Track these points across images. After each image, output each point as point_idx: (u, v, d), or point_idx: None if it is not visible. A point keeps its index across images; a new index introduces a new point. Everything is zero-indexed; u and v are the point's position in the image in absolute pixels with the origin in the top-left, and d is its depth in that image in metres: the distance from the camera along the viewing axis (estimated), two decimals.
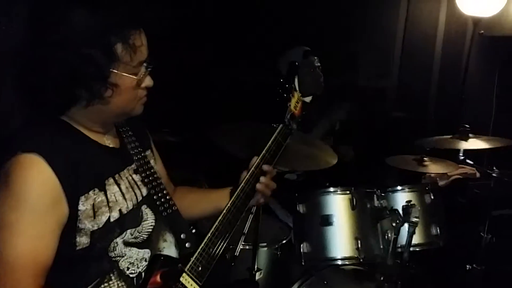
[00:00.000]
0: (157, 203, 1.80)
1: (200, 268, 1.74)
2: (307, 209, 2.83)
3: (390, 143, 4.13)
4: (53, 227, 1.52)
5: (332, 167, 2.89)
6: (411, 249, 2.66)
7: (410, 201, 2.64)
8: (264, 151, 1.95)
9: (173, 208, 1.83)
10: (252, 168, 1.92)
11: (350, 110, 4.22)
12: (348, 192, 2.78)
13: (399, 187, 2.87)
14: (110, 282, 1.66)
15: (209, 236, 1.78)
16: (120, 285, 1.67)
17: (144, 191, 1.78)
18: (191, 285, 1.72)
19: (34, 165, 1.49)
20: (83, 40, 1.52)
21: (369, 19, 4.64)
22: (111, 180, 1.67)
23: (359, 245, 2.71)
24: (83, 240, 1.58)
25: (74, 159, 1.57)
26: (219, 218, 1.82)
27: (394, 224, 2.55)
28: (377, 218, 2.77)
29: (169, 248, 1.80)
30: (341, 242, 2.74)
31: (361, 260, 2.72)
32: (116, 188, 1.67)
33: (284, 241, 3.06)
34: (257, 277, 2.72)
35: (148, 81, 1.69)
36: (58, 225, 1.53)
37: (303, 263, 2.79)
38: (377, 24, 4.69)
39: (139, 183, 1.77)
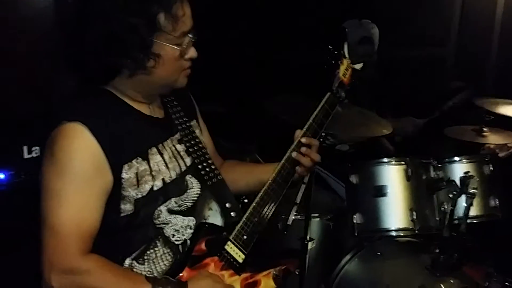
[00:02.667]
0: (202, 172, 1.81)
1: (245, 237, 1.76)
2: (360, 180, 2.78)
3: (448, 113, 4.00)
4: (98, 194, 1.55)
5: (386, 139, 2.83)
6: (468, 221, 2.60)
7: (468, 172, 2.58)
8: (310, 120, 1.93)
9: (218, 177, 1.84)
10: (298, 138, 1.90)
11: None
12: (403, 162, 2.70)
13: (456, 158, 2.78)
14: (156, 249, 1.68)
15: (254, 205, 1.80)
16: (165, 251, 1.69)
17: (188, 161, 1.79)
18: (236, 253, 1.74)
19: (78, 134, 1.52)
20: (126, 9, 1.53)
21: None
22: (154, 149, 1.68)
23: (414, 217, 2.64)
24: (127, 207, 1.60)
25: (117, 128, 1.59)
26: (264, 187, 1.83)
27: (451, 196, 2.50)
28: (433, 189, 2.70)
29: (214, 217, 1.80)
30: (395, 213, 2.69)
31: (416, 232, 2.66)
32: (159, 157, 1.68)
33: (336, 212, 3.03)
34: (309, 247, 2.70)
35: (192, 52, 1.68)
36: (103, 192, 1.55)
37: (356, 234, 2.76)
38: None
39: (182, 153, 1.78)
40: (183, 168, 1.76)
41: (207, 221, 1.79)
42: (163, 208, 1.68)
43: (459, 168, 2.74)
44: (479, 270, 2.83)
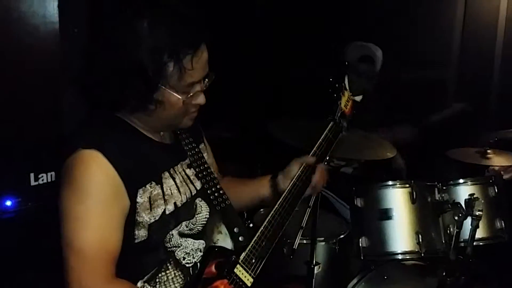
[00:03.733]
0: (211, 197, 1.84)
1: (253, 260, 1.78)
2: (365, 203, 2.79)
3: (451, 135, 4.02)
4: (118, 218, 1.59)
5: (389, 161, 2.84)
6: (475, 243, 2.59)
7: (473, 194, 2.57)
8: (314, 148, 2.00)
9: (226, 202, 1.86)
10: (303, 165, 1.97)
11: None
12: (407, 185, 2.72)
13: (461, 180, 2.79)
14: (168, 272, 1.71)
15: (262, 230, 1.83)
16: (176, 274, 1.73)
17: (198, 185, 1.83)
18: (245, 276, 1.76)
19: (95, 160, 1.55)
20: (139, 50, 1.55)
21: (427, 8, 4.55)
22: (166, 174, 1.72)
23: (420, 240, 2.65)
24: (141, 233, 1.64)
25: (131, 154, 1.63)
26: (272, 212, 1.86)
27: (456, 218, 2.48)
28: (438, 212, 2.71)
29: (224, 241, 1.83)
30: (401, 236, 2.69)
31: (422, 255, 2.66)
32: (171, 181, 1.72)
33: (342, 236, 3.03)
34: (315, 271, 2.70)
35: (200, 100, 1.71)
36: (122, 216, 1.59)
37: (362, 258, 2.75)
38: (435, 14, 4.58)
39: (192, 177, 1.82)
40: (193, 192, 1.80)
41: (217, 244, 1.81)
42: (174, 232, 1.71)
43: (464, 190, 2.74)
44: None
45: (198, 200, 1.81)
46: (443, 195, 2.74)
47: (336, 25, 4.37)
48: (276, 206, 1.88)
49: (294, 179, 1.95)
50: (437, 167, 3.48)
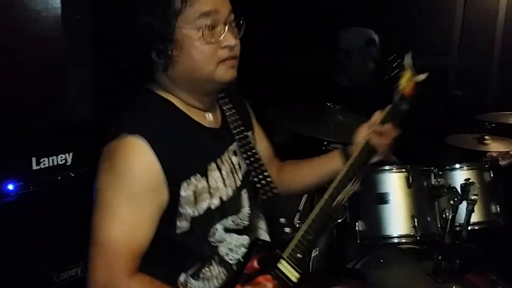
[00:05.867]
0: (257, 185, 1.74)
1: (299, 255, 1.67)
2: (362, 187, 2.82)
3: (450, 122, 4.04)
4: (152, 213, 1.49)
5: None
6: (470, 227, 2.62)
7: (468, 179, 2.60)
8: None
9: (274, 191, 1.75)
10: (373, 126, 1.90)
11: None
12: (404, 170, 2.74)
13: (457, 165, 2.82)
14: (211, 267, 1.64)
15: (310, 221, 1.71)
16: (220, 270, 1.65)
17: (243, 174, 1.74)
18: (290, 272, 1.65)
19: (138, 149, 1.46)
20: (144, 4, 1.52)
21: None
22: (213, 164, 1.63)
23: (416, 223, 2.67)
24: (183, 224, 1.56)
25: (177, 143, 1.54)
26: (328, 192, 1.77)
27: (452, 202, 2.51)
28: (434, 196, 2.74)
29: (265, 235, 1.76)
30: (397, 220, 2.72)
31: (418, 239, 2.69)
32: (217, 173, 1.63)
33: (339, 220, 3.06)
34: (313, 254, 2.74)
35: (226, 39, 1.57)
36: (157, 211, 1.50)
37: (358, 241, 2.79)
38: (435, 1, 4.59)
39: (237, 166, 1.72)
40: (238, 183, 1.70)
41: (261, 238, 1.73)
42: (219, 226, 1.63)
43: (460, 175, 2.77)
44: (482, 278, 2.85)
45: (243, 192, 1.72)
46: (439, 179, 2.77)
47: (335, 11, 4.37)
48: (342, 173, 1.80)
49: (363, 140, 1.88)
50: (435, 153, 3.50)
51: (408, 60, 1.92)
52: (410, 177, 2.72)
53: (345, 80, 3.75)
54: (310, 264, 1.79)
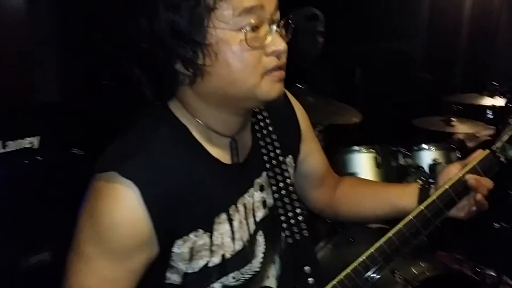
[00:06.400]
0: (284, 225, 1.40)
1: None
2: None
3: (417, 104, 4.10)
4: (134, 269, 1.24)
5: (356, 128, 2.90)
6: None
7: (436, 159, 2.66)
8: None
9: (304, 232, 1.41)
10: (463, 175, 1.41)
11: None
12: (373, 150, 2.79)
13: (424, 146, 2.88)
14: None
15: (348, 273, 1.35)
16: None
17: (262, 213, 1.39)
18: None
19: (126, 201, 1.18)
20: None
21: None
22: (223, 216, 1.29)
23: None
24: (174, 277, 1.30)
25: (182, 192, 1.22)
26: (388, 236, 1.38)
27: (419, 182, 2.56)
28: (402, 176, 2.79)
29: (271, 283, 1.43)
30: None
31: None
32: (227, 227, 1.30)
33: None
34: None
35: (275, 43, 1.20)
36: (141, 265, 1.24)
37: (328, 221, 2.82)
38: None
39: (257, 204, 1.38)
40: (253, 228, 1.35)
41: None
42: (217, 285, 1.33)
43: (428, 156, 2.83)
44: (450, 256, 2.92)
45: (259, 236, 1.38)
46: (407, 160, 2.82)
47: None
48: (410, 216, 1.37)
49: (446, 186, 1.40)
50: (404, 135, 3.56)
51: None
52: (379, 157, 2.77)
53: (300, 59, 3.73)
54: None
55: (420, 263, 2.60)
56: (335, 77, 3.61)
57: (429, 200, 1.38)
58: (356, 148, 2.81)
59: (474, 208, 1.42)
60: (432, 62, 4.59)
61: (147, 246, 1.21)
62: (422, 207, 1.38)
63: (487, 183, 1.41)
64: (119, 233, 1.19)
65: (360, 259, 1.36)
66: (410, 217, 1.38)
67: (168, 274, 1.29)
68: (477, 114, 3.36)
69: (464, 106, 3.30)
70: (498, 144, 1.41)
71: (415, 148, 2.87)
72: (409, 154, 2.84)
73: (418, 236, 1.38)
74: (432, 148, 2.87)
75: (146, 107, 1.30)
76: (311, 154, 1.56)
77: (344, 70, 3.74)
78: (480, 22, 4.47)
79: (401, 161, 2.82)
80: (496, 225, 3.17)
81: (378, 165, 2.77)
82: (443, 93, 3.56)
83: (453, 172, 1.43)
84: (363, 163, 2.79)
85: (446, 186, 1.39)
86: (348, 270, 1.36)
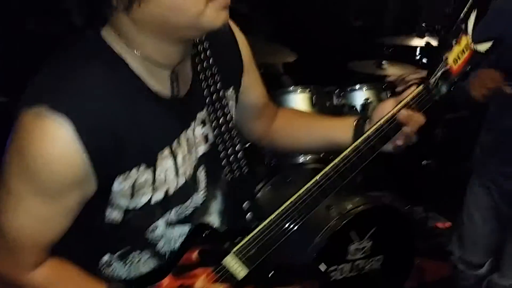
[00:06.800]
0: (223, 162, 1.37)
1: (252, 251, 1.33)
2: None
3: (351, 49, 4.19)
4: (69, 207, 1.18)
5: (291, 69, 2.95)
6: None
7: (367, 98, 2.75)
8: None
9: (243, 169, 1.39)
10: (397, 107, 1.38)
11: None
12: (308, 90, 2.85)
13: (357, 86, 2.96)
14: (140, 255, 1.34)
15: (286, 207, 1.33)
16: (150, 259, 1.36)
17: (204, 148, 1.34)
18: (236, 268, 1.34)
19: (58, 136, 1.08)
20: None
21: None
22: (166, 151, 1.24)
23: None
24: (114, 215, 1.24)
25: (119, 125, 1.14)
26: (325, 170, 1.35)
27: None
28: (336, 115, 2.86)
29: (212, 221, 1.42)
30: None
31: (321, 156, 2.83)
32: (170, 162, 1.25)
33: (247, 144, 3.13)
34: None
35: None
36: (77, 204, 1.18)
37: (266, 163, 2.88)
38: None
39: (199, 139, 1.33)
40: (194, 162, 1.32)
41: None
42: (160, 222, 1.30)
43: (360, 95, 2.92)
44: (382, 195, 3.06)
45: (199, 171, 1.34)
46: (341, 99, 2.90)
47: None
48: (346, 151, 1.35)
49: (380, 121, 1.37)
50: (339, 78, 3.66)
51: (471, 19, 1.37)
52: (314, 97, 2.83)
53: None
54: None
55: (354, 198, 2.72)
56: (273, 19, 3.63)
57: (364, 136, 1.36)
58: (291, 88, 2.85)
59: (400, 142, 1.40)
60: (364, 7, 4.65)
61: (83, 184, 1.14)
62: (357, 142, 1.36)
63: (419, 118, 1.39)
64: (52, 172, 1.10)
65: (299, 192, 1.35)
66: (345, 152, 1.36)
67: (108, 211, 1.23)
68: (408, 55, 3.48)
69: (396, 48, 3.41)
70: (432, 80, 1.40)
71: (348, 89, 2.95)
72: (343, 94, 2.92)
73: (353, 170, 1.36)
74: (364, 88, 2.96)
75: (75, 36, 1.18)
76: (252, 85, 1.51)
77: (283, 14, 3.74)
78: None
79: (335, 101, 2.91)
80: (424, 162, 3.35)
81: (313, 104, 2.83)
82: (375, 36, 3.64)
83: (387, 108, 1.40)
84: (298, 102, 2.84)
85: (381, 122, 1.37)
86: (286, 203, 1.34)
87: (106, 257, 1.33)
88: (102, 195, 1.19)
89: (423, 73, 1.60)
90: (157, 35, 1.15)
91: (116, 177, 1.17)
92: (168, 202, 1.27)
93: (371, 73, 3.35)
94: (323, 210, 2.62)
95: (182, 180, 1.28)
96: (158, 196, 1.25)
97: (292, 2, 4.06)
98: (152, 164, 1.21)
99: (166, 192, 1.26)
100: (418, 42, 3.46)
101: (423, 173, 3.35)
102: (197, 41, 1.31)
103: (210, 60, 1.33)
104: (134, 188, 1.20)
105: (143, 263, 1.35)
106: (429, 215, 3.49)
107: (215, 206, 1.42)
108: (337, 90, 2.91)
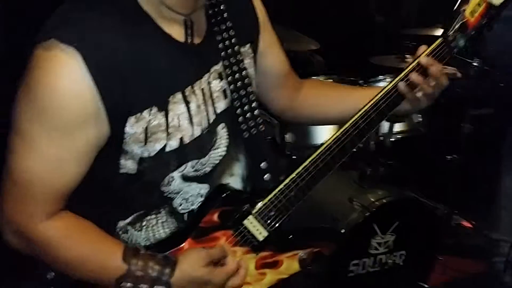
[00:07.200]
0: (239, 119, 1.35)
1: (272, 213, 1.33)
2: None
3: (374, 43, 4.14)
4: (82, 149, 1.15)
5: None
6: (393, 137, 2.73)
7: None
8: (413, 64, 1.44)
9: (259, 128, 1.37)
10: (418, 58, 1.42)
11: None
12: (331, 80, 2.79)
13: (380, 76, 2.91)
14: (158, 215, 1.32)
15: (302, 169, 1.34)
16: (169, 220, 1.33)
17: (223, 104, 1.34)
18: (257, 229, 1.34)
19: (67, 68, 1.08)
20: None
21: None
22: (178, 96, 1.22)
23: None
24: (128, 164, 1.22)
25: (131, 63, 1.13)
26: (330, 140, 1.37)
27: None
28: None
29: (234, 183, 1.40)
30: (323, 128, 2.79)
31: None
32: (183, 107, 1.23)
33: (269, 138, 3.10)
34: None
35: None
36: (91, 146, 1.16)
37: (288, 153, 2.83)
38: None
39: (217, 94, 1.32)
40: (212, 117, 1.31)
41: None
42: (176, 174, 1.27)
43: (383, 85, 2.85)
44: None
45: (221, 128, 1.33)
46: None
47: None
48: (348, 124, 1.37)
49: (396, 79, 1.42)
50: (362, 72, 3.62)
51: None
52: None
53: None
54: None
55: (377, 191, 2.66)
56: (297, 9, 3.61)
57: (384, 89, 1.42)
58: (314, 78, 2.80)
59: (431, 87, 1.43)
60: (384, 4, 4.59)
61: (94, 121, 1.13)
62: (377, 97, 1.41)
63: (439, 68, 1.42)
64: (61, 105, 1.09)
65: (317, 151, 1.36)
66: (365, 107, 1.39)
67: (123, 161, 1.21)
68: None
69: (419, 39, 3.35)
70: (450, 33, 1.43)
71: (372, 79, 2.90)
72: (366, 85, 2.87)
73: (372, 127, 1.40)
74: (388, 79, 2.91)
75: None
76: (271, 48, 1.50)
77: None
78: None
79: None
80: (449, 156, 3.27)
81: None
82: (397, 29, 3.59)
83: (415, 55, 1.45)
84: None
85: (404, 71, 1.43)
86: (305, 163, 1.36)
87: (121, 223, 1.30)
88: (115, 141, 1.17)
89: (449, 69, 1.58)
90: None
91: (128, 118, 1.15)
92: (184, 153, 1.25)
93: (395, 66, 3.29)
94: (345, 202, 2.58)
95: (197, 131, 1.27)
96: (173, 144, 1.23)
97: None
98: (163, 108, 1.19)
99: (181, 140, 1.24)
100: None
101: (447, 168, 3.26)
102: None
103: (225, 15, 1.33)
104: (147, 132, 1.18)
105: (161, 224, 1.32)
106: (453, 212, 3.40)
107: (237, 170, 1.39)
108: (361, 80, 2.86)
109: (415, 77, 1.41)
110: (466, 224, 3.49)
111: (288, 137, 2.82)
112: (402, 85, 1.41)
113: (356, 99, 1.48)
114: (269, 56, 1.49)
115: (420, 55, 1.42)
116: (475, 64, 3.06)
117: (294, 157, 2.91)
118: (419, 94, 1.44)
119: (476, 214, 3.39)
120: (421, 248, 2.70)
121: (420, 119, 2.91)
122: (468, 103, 3.23)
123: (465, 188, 3.22)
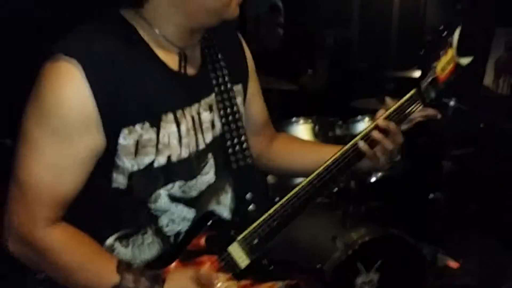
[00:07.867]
0: (229, 151, 1.44)
1: (256, 241, 1.39)
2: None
3: (356, 87, 4.23)
4: (81, 156, 1.24)
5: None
6: (374, 179, 2.78)
7: None
8: (386, 114, 1.52)
9: (248, 160, 1.46)
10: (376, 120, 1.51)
11: None
12: (310, 120, 2.86)
13: (359, 117, 2.96)
14: (145, 236, 1.38)
15: (282, 203, 1.41)
16: (155, 240, 1.40)
17: (215, 136, 1.43)
18: (240, 257, 1.40)
19: (69, 76, 1.20)
20: None
21: None
22: (170, 116, 1.32)
23: None
24: (120, 179, 1.31)
25: (126, 79, 1.24)
26: (309, 178, 1.43)
27: None
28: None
29: (221, 212, 1.46)
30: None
31: None
32: (173, 127, 1.32)
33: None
34: None
35: None
36: (88, 155, 1.25)
37: (269, 195, 2.85)
38: None
39: (206, 125, 1.40)
40: (201, 146, 1.39)
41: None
42: (163, 192, 1.35)
43: (362, 126, 2.91)
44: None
45: (209, 157, 1.41)
46: (343, 130, 2.90)
47: None
48: (320, 169, 1.43)
49: (357, 138, 1.48)
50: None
51: (456, 35, 1.53)
52: (316, 127, 2.84)
53: (257, 47, 3.84)
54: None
55: (360, 229, 2.68)
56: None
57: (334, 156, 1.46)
58: (294, 119, 2.87)
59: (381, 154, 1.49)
60: (367, 51, 4.72)
61: (92, 130, 1.22)
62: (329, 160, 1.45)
63: (396, 129, 1.50)
64: (64, 110, 1.20)
65: (301, 184, 1.42)
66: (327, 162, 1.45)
67: (114, 175, 1.29)
68: (411, 87, 3.50)
69: (399, 81, 3.45)
70: (423, 85, 1.53)
71: (351, 119, 2.95)
72: (345, 125, 2.92)
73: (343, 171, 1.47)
74: (366, 118, 2.96)
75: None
76: (254, 97, 1.60)
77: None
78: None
79: (338, 131, 2.91)
80: (431, 195, 3.30)
81: (316, 135, 2.84)
82: (377, 72, 3.69)
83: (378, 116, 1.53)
84: (301, 132, 2.85)
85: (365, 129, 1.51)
86: (288, 195, 1.41)
87: (108, 242, 1.36)
88: (109, 153, 1.26)
89: (429, 110, 1.66)
90: (176, 20, 1.29)
91: (122, 129, 1.24)
92: (171, 171, 1.33)
93: (374, 108, 3.36)
94: (329, 241, 2.59)
95: (185, 153, 1.35)
96: (161, 160, 1.31)
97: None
98: (155, 124, 1.29)
99: (169, 158, 1.32)
100: (419, 74, 3.49)
101: (430, 207, 3.29)
102: (206, 36, 1.43)
103: (219, 55, 1.44)
104: (138, 145, 1.27)
105: (147, 245, 1.39)
106: (438, 251, 3.39)
107: (225, 200, 1.47)
108: (340, 121, 2.91)
109: (376, 134, 1.48)
110: (453, 264, 3.47)
111: (270, 178, 2.84)
112: (361, 143, 1.48)
113: (319, 154, 1.54)
114: (252, 104, 1.59)
115: (379, 117, 1.51)
116: (452, 103, 3.13)
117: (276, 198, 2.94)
118: (379, 153, 1.50)
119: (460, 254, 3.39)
120: (407, 287, 2.69)
121: (399, 158, 2.95)
122: (448, 145, 3.29)
123: (448, 226, 3.24)
